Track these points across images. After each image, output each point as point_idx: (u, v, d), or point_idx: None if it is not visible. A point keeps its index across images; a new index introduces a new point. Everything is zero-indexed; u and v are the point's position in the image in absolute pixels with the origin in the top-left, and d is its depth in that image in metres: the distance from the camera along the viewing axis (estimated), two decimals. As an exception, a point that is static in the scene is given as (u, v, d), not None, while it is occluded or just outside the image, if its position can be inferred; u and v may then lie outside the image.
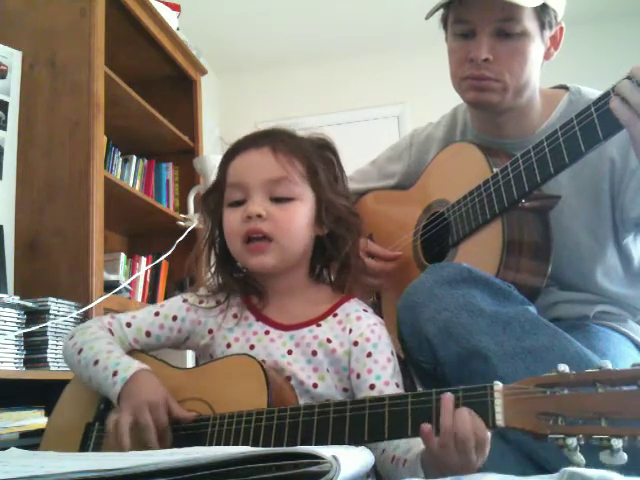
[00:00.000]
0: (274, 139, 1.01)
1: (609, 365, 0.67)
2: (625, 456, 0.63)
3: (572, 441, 0.65)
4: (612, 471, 0.57)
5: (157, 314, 1.04)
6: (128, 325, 1.03)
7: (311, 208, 1.00)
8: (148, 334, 1.03)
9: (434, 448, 0.73)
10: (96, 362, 0.95)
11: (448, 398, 0.73)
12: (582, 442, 0.65)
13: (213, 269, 1.07)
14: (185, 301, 1.05)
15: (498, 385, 0.72)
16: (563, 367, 0.69)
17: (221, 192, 1.03)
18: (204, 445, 0.85)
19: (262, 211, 0.96)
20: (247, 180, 0.99)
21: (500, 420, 0.70)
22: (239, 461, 0.58)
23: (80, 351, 0.98)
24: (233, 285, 1.04)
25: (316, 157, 1.02)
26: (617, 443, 0.63)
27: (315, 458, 0.58)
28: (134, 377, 0.91)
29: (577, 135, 0.99)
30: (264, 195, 0.98)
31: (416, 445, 0.81)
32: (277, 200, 0.98)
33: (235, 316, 1.02)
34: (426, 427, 0.72)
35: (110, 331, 1.02)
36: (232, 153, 1.04)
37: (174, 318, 1.04)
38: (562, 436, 0.66)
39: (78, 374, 1.00)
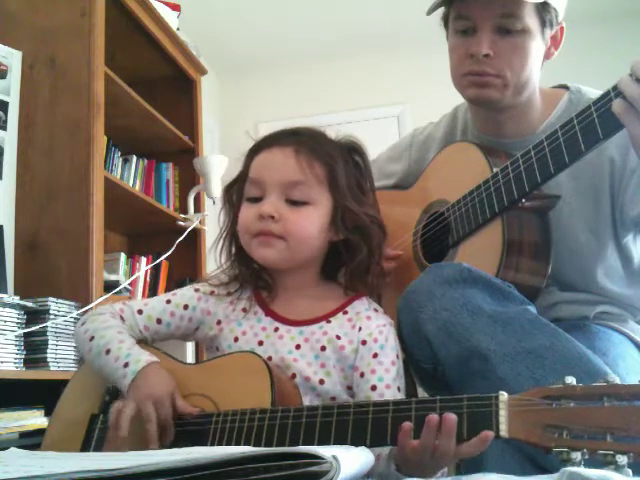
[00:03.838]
0: (299, 140, 1.00)
1: (617, 379, 0.67)
2: (630, 472, 0.62)
3: (576, 455, 0.64)
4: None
5: (169, 302, 1.05)
6: (139, 312, 1.03)
7: (326, 214, 1.00)
8: (159, 321, 1.04)
9: (408, 451, 0.75)
10: (108, 351, 0.96)
11: (433, 420, 0.74)
12: (586, 456, 0.64)
13: (232, 258, 1.07)
14: (197, 290, 1.06)
15: (503, 395, 0.72)
16: (570, 379, 0.69)
17: (243, 184, 1.04)
18: (207, 441, 0.85)
19: (274, 212, 0.96)
20: (265, 179, 0.99)
21: (504, 431, 0.70)
22: (239, 461, 0.58)
23: (92, 339, 0.99)
24: (247, 276, 1.05)
25: (340, 162, 1.01)
26: (622, 459, 0.62)
27: (315, 458, 0.58)
28: (144, 370, 0.92)
29: (577, 135, 0.99)
30: (280, 196, 0.98)
31: None
32: (292, 202, 0.98)
33: (244, 310, 1.03)
34: (407, 425, 0.74)
35: (121, 318, 1.03)
36: (258, 148, 1.04)
37: (185, 307, 1.04)
38: (566, 450, 0.65)
39: (89, 361, 1.00)
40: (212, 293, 1.06)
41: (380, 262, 1.05)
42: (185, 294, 1.06)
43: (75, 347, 1.06)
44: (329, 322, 1.00)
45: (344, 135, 1.06)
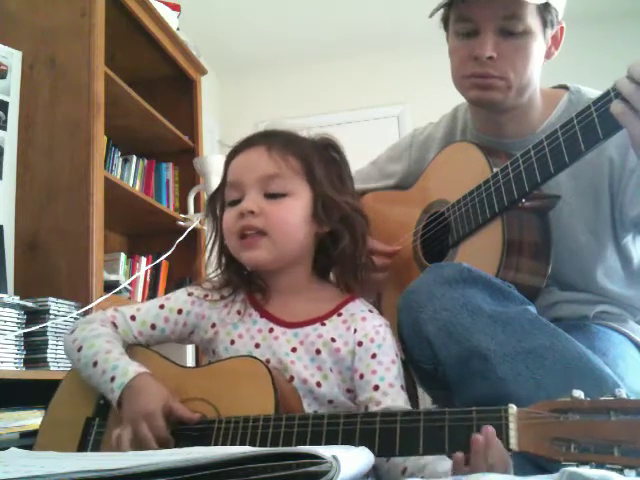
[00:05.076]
0: (270, 138, 1.02)
1: (624, 394, 0.67)
2: None
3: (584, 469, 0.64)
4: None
5: (162, 307, 1.04)
6: (132, 318, 1.03)
7: (306, 204, 1.00)
8: (153, 327, 1.03)
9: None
10: (95, 363, 0.94)
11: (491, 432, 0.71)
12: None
13: (222, 268, 1.07)
14: (190, 294, 1.06)
15: (512, 408, 0.72)
16: (578, 393, 0.69)
17: (224, 193, 1.05)
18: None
19: (254, 207, 0.97)
20: (242, 179, 1.00)
21: (514, 444, 0.70)
22: (239, 461, 0.58)
23: (80, 349, 0.98)
24: (238, 283, 1.05)
25: (314, 154, 1.02)
26: (630, 474, 0.62)
27: (315, 458, 0.58)
28: (132, 384, 0.90)
29: (577, 135, 0.98)
30: (258, 192, 0.99)
31: (430, 462, 0.81)
32: (271, 196, 0.99)
33: (239, 312, 1.02)
34: (458, 457, 0.72)
35: (114, 324, 1.02)
36: (232, 154, 1.05)
37: (179, 311, 1.04)
38: (575, 463, 0.65)
39: (78, 371, 1.00)
40: (206, 297, 1.05)
41: (367, 252, 1.06)
42: (179, 298, 1.05)
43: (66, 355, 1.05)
44: (324, 324, 0.99)
45: (317, 133, 1.08)
